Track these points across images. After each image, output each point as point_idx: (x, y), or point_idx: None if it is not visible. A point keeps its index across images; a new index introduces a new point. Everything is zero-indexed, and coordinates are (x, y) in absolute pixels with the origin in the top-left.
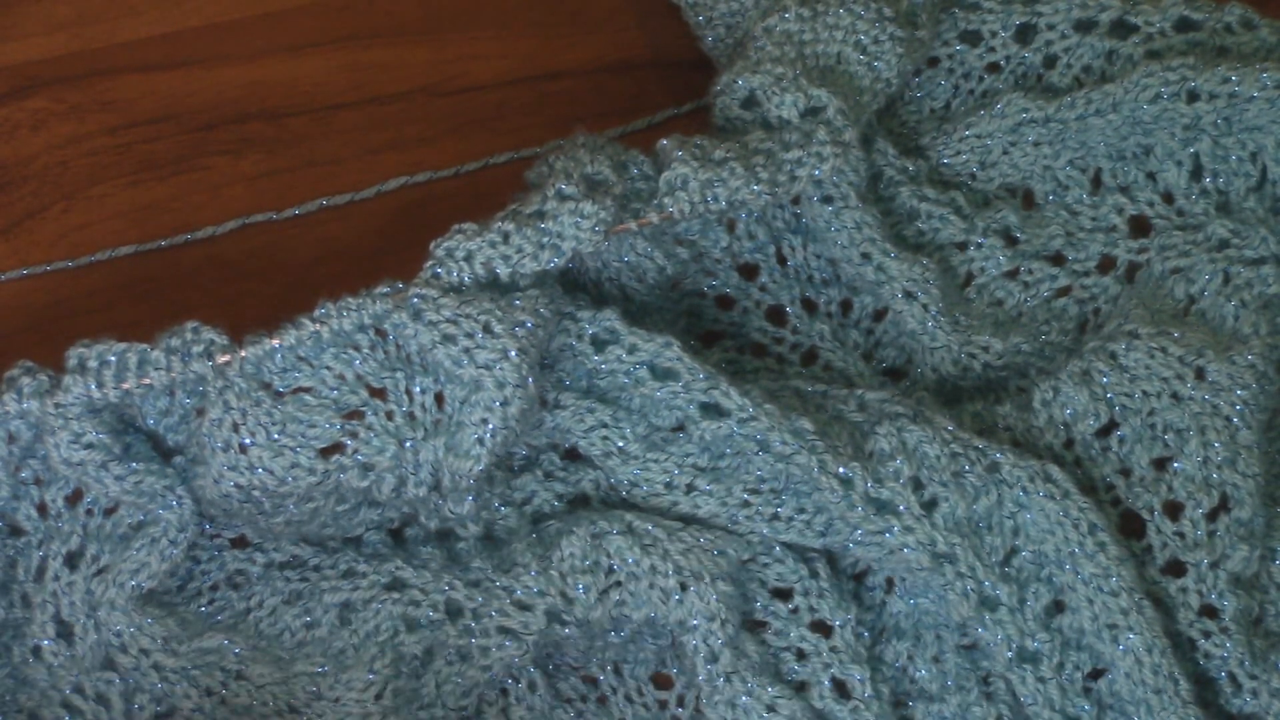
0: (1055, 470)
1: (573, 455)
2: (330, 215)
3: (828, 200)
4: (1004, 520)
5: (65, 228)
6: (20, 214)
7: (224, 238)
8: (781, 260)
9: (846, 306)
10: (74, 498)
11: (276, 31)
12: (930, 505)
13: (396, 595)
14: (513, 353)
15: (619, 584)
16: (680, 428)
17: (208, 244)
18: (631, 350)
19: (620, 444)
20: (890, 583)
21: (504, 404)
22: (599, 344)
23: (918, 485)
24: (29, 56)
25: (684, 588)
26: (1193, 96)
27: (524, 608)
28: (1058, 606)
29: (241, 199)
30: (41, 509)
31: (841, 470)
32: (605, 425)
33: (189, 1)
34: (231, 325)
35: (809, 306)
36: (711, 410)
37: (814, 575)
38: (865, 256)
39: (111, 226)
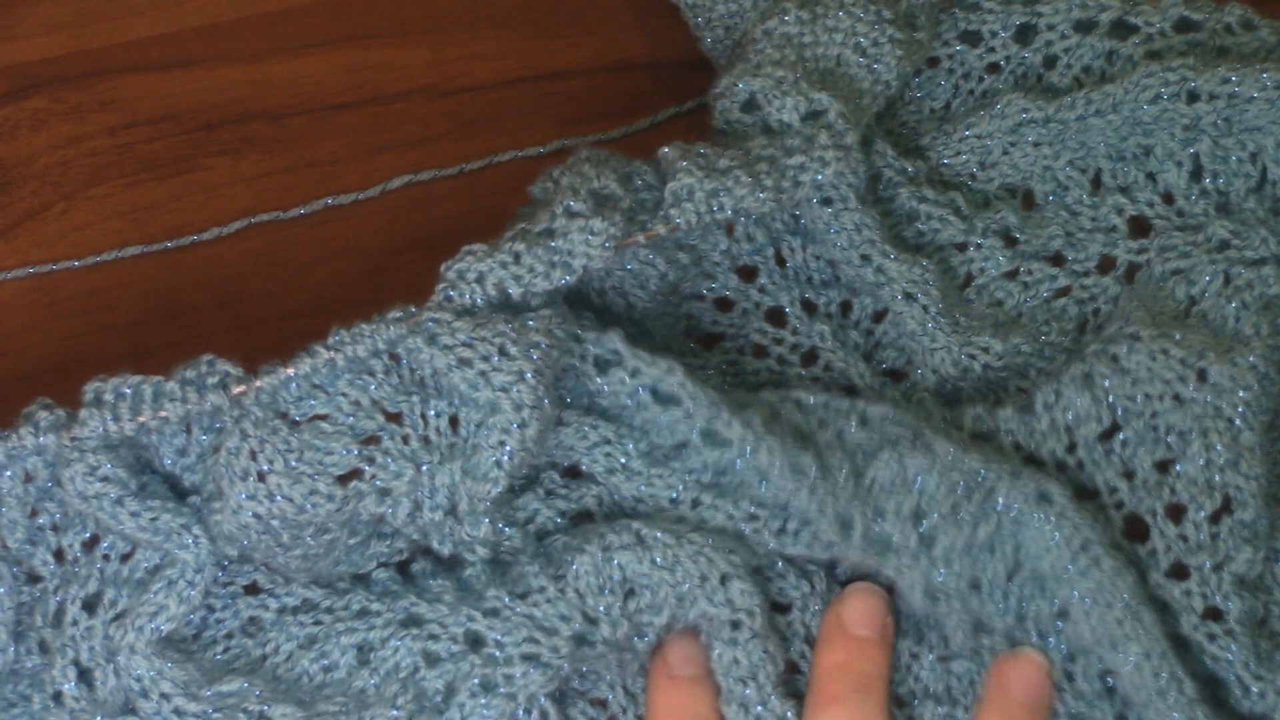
0: (1053, 488)
1: (573, 473)
2: (332, 215)
3: (827, 202)
4: (1005, 541)
5: (65, 228)
6: (20, 214)
7: (225, 237)
8: (781, 262)
9: (846, 308)
10: (91, 543)
11: (276, 31)
12: (929, 539)
13: (415, 631)
14: (529, 374)
15: (633, 594)
16: (683, 444)
17: (209, 244)
18: (635, 374)
19: (623, 460)
20: (891, 584)
21: (521, 426)
22: (602, 365)
23: (918, 517)
24: (29, 56)
25: (700, 590)
26: (1193, 97)
27: (550, 633)
28: (1060, 618)
29: (241, 199)
30: (58, 555)
31: (841, 512)
32: (608, 442)
33: (189, 1)
34: (233, 325)
35: (809, 307)
36: (713, 438)
37: (813, 590)
38: (865, 258)
39: (111, 226)
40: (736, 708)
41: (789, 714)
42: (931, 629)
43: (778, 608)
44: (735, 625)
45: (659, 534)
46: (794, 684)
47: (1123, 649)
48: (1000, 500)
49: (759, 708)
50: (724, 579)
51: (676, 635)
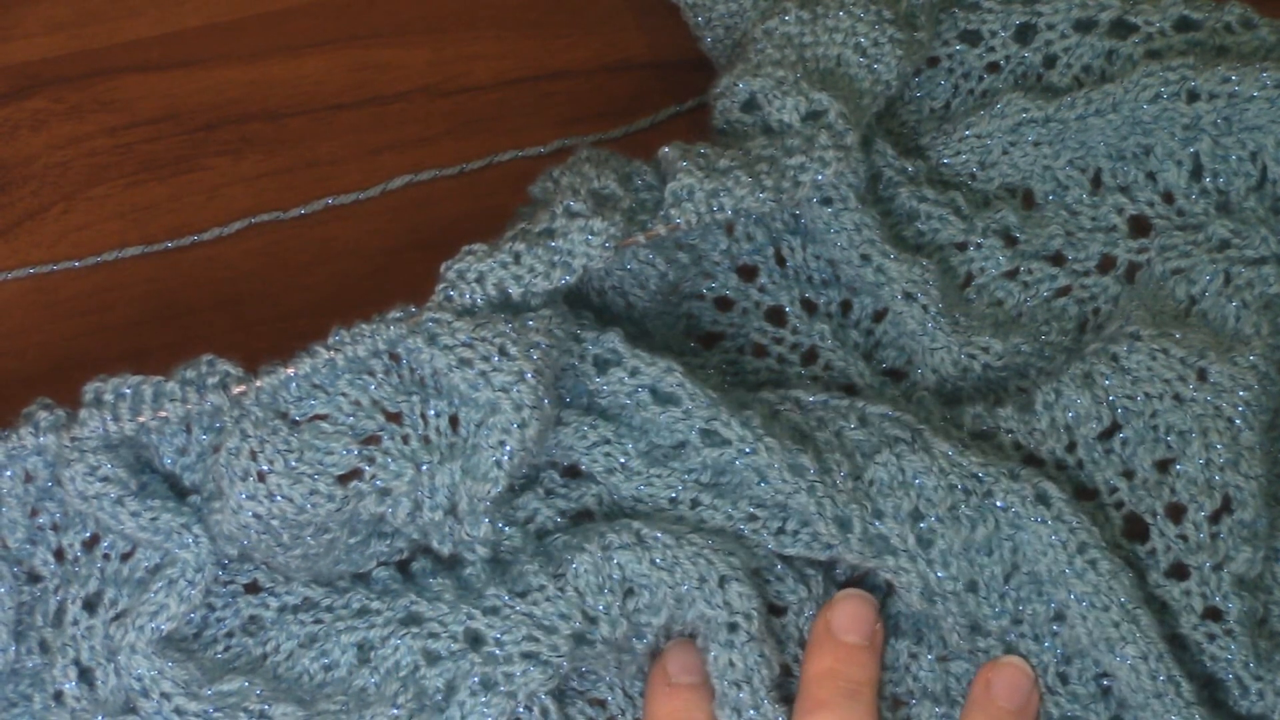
0: (1050, 488)
1: (573, 472)
2: (331, 215)
3: (827, 202)
4: (1002, 543)
5: (65, 228)
6: (20, 214)
7: (225, 238)
8: (780, 261)
9: (846, 307)
10: (91, 542)
11: (276, 31)
12: (927, 540)
13: (415, 630)
14: (529, 374)
15: (632, 593)
16: (682, 444)
17: (209, 244)
18: (634, 373)
19: (623, 460)
20: (890, 584)
21: (521, 426)
22: (601, 365)
23: (916, 517)
24: (29, 56)
25: (698, 591)
26: (1193, 96)
27: (549, 631)
28: (1056, 621)
29: (241, 199)
30: (59, 554)
31: (840, 512)
32: (608, 441)
33: (189, 1)
34: (233, 325)
35: (809, 307)
36: (712, 437)
37: (810, 594)
38: (865, 258)
39: (111, 227)
40: (729, 711)
41: (780, 719)
42: (930, 629)
43: (773, 610)
44: (732, 628)
45: (659, 534)
46: (787, 687)
47: (1119, 651)
48: (998, 501)
49: (751, 711)
50: (722, 581)
51: (676, 644)
